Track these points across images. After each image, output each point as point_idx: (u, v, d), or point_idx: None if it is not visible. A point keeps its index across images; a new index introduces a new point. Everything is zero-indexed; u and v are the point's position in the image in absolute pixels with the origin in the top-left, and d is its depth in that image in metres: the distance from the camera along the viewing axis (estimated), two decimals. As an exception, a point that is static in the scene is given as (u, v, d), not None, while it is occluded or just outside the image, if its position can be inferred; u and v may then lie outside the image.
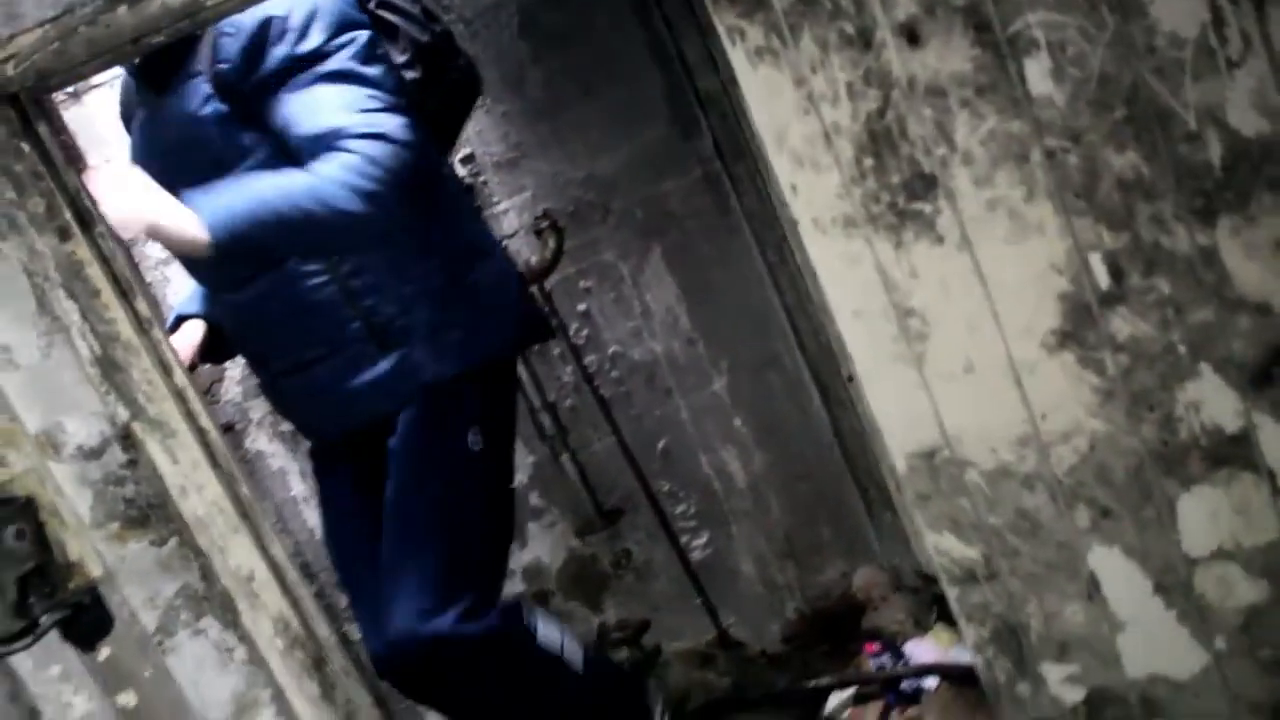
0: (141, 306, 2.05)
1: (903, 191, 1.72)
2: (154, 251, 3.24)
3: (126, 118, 2.61)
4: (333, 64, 2.30)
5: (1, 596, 1.93)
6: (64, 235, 1.92)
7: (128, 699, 2.14)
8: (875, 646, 3.17)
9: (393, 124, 2.28)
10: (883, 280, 1.78)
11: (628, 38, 3.28)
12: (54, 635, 2.05)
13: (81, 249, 1.94)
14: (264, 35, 2.29)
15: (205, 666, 2.14)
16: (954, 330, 1.79)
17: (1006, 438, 1.84)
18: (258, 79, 2.30)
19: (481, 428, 2.53)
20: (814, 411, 3.50)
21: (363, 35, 2.36)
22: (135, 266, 3.02)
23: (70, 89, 3.09)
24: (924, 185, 1.71)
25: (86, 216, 1.98)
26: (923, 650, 3.10)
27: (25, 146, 1.87)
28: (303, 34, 2.30)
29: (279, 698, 2.17)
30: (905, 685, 3.01)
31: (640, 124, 3.31)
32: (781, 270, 3.25)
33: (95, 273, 1.96)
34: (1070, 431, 1.80)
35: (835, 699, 3.11)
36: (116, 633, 2.09)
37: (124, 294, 2.01)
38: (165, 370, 2.05)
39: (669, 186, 3.35)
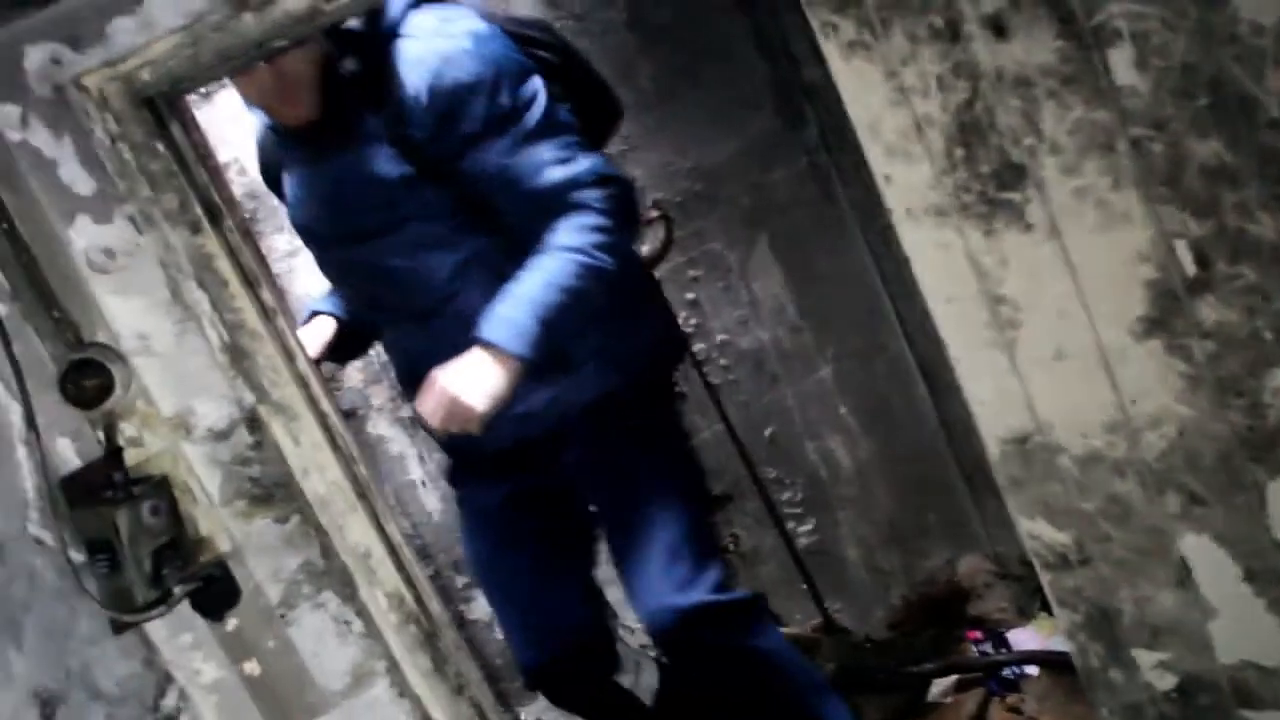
0: (267, 296, 2.17)
1: (992, 181, 1.76)
2: (281, 244, 3.38)
3: (272, 175, 2.65)
4: (533, 117, 2.31)
5: (139, 568, 2.07)
6: (195, 229, 2.04)
7: (252, 668, 2.27)
8: (978, 634, 3.19)
9: (601, 163, 2.33)
10: (974, 268, 1.82)
11: (733, 29, 3.33)
12: (185, 606, 2.20)
13: (211, 242, 2.06)
14: (456, 101, 2.27)
15: (324, 638, 2.26)
16: (1044, 317, 1.82)
17: (1097, 423, 1.86)
18: (453, 141, 2.30)
19: (677, 411, 2.67)
20: (919, 398, 3.52)
21: (538, 80, 2.38)
22: (262, 259, 3.15)
23: (203, 90, 3.23)
24: (1013, 175, 1.74)
25: (216, 211, 2.11)
26: (1025, 638, 3.11)
27: (160, 146, 2.00)
28: (494, 93, 2.29)
29: (393, 669, 2.28)
30: (1007, 672, 3.03)
31: (746, 115, 3.36)
32: (887, 259, 3.27)
33: (224, 265, 2.08)
34: (1159, 418, 1.82)
35: (938, 686, 3.13)
36: (242, 604, 2.23)
37: (250, 285, 2.13)
38: (289, 357, 2.17)
39: (775, 177, 3.39)
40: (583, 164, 2.28)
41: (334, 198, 2.43)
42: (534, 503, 2.58)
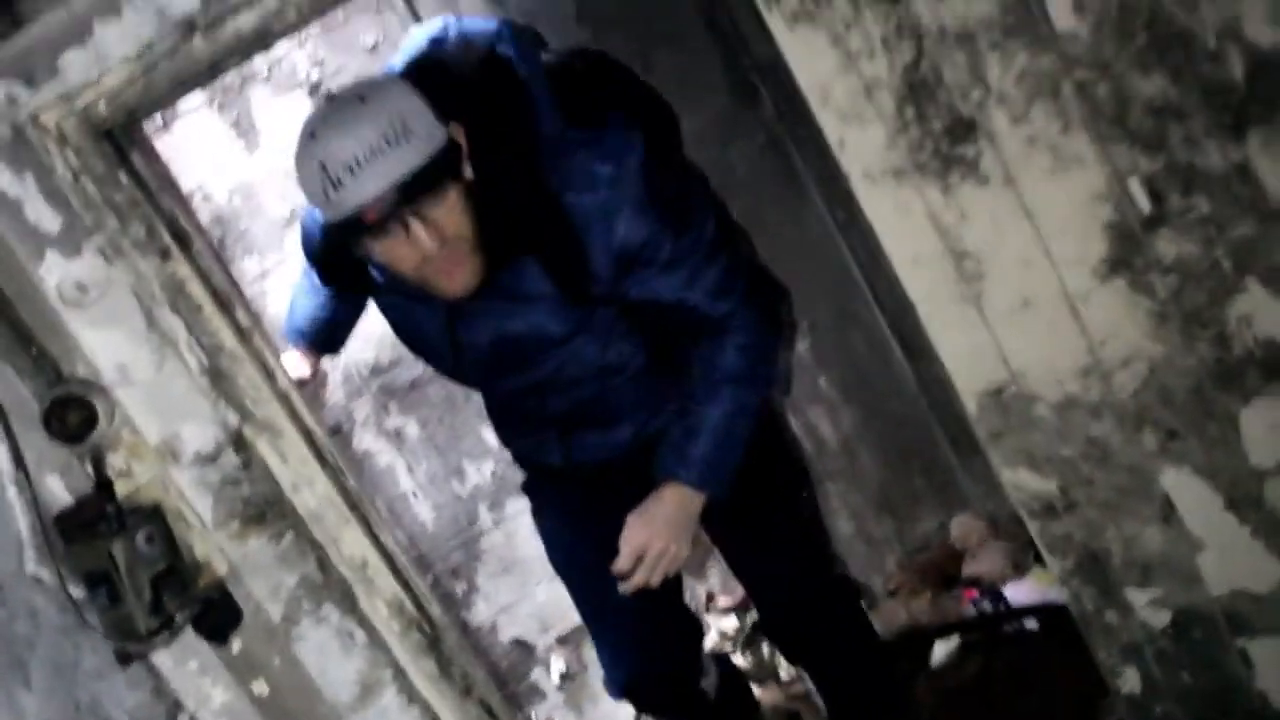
0: (241, 317, 2.19)
1: (945, 137, 1.79)
2: (251, 268, 3.39)
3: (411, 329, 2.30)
4: (702, 243, 2.12)
5: (139, 598, 2.08)
6: (165, 256, 2.05)
7: (261, 688, 2.28)
8: (975, 593, 3.22)
9: (742, 283, 2.19)
10: (935, 225, 1.85)
11: (682, 14, 3.34)
12: (189, 632, 2.21)
13: (182, 267, 2.08)
14: (638, 253, 2.05)
15: (329, 652, 2.27)
16: (1008, 267, 1.85)
17: (1070, 368, 1.89)
18: (629, 284, 2.10)
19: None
20: (897, 364, 3.54)
21: (703, 195, 2.28)
22: (234, 281, 3.17)
23: (160, 120, 3.24)
24: (965, 129, 1.77)
25: (184, 237, 2.12)
26: (1023, 592, 3.14)
27: (123, 177, 2.01)
28: (677, 234, 2.07)
29: (400, 676, 2.30)
30: (1007, 628, 3.06)
31: (701, 96, 3.36)
32: (852, 228, 3.29)
33: (196, 289, 2.10)
34: (1130, 357, 1.85)
35: (940, 648, 3.15)
36: (245, 625, 2.24)
37: (224, 307, 2.15)
38: (269, 375, 2.19)
39: (734, 154, 3.41)
40: (741, 285, 2.16)
41: (497, 340, 2.18)
42: (601, 510, 2.39)
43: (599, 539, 2.29)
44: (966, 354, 1.93)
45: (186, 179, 3.25)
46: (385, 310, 2.29)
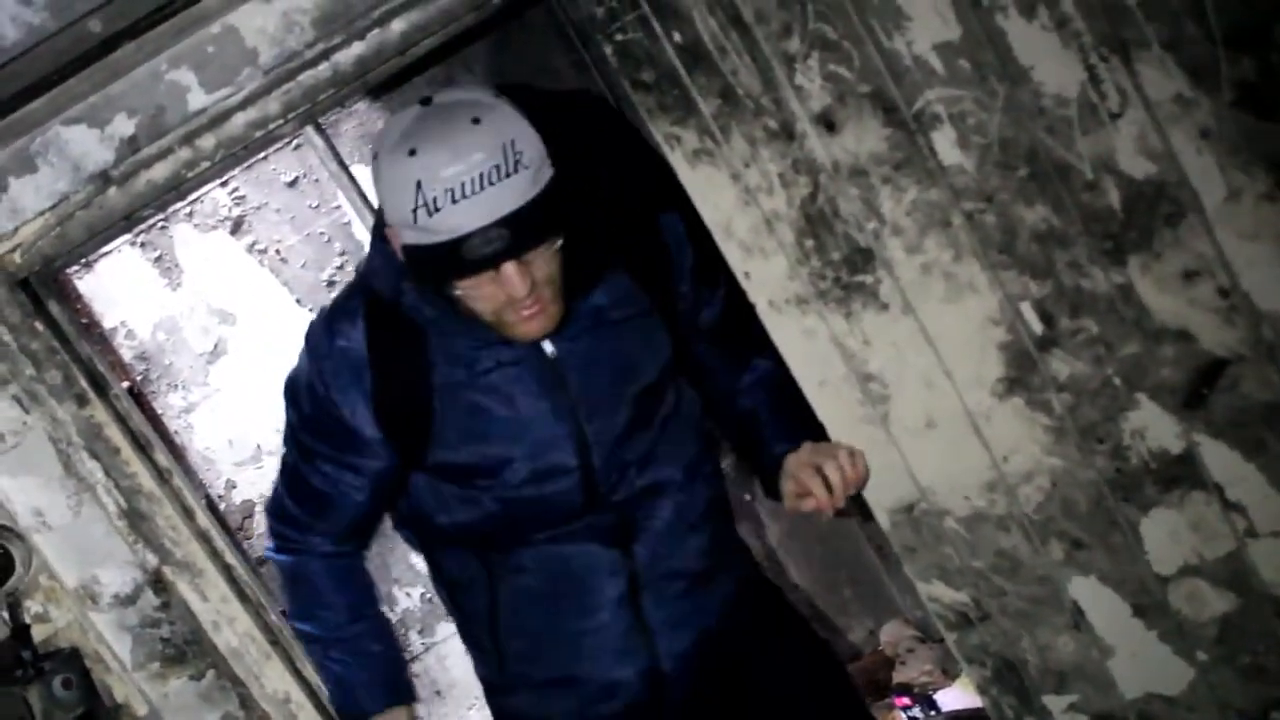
0: (160, 458, 2.20)
1: (844, 266, 1.85)
2: (176, 402, 3.39)
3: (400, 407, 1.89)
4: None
5: (56, 746, 2.05)
6: (82, 401, 2.06)
7: (189, 834, 2.25)
8: (906, 700, 3.24)
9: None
10: (840, 350, 1.90)
11: (599, 145, 3.43)
12: (112, 780, 2.18)
13: (99, 412, 2.09)
14: (702, 267, 1.97)
15: (256, 792, 2.25)
16: (911, 389, 1.90)
17: (976, 484, 1.94)
18: (699, 297, 2.00)
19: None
20: (821, 478, 3.58)
21: None
22: (156, 419, 3.17)
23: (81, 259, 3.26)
24: (863, 258, 1.83)
25: (101, 381, 2.13)
26: (953, 697, 3.16)
27: (39, 325, 2.03)
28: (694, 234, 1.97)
29: (328, 814, 2.27)
30: (937, 734, 3.08)
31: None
32: (770, 348, 3.36)
33: (114, 432, 2.10)
34: (1032, 471, 1.90)
35: (874, 757, 3.16)
36: (167, 767, 2.21)
37: (142, 448, 2.16)
38: (188, 515, 2.19)
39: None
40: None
41: (609, 380, 1.92)
42: None
43: None
44: (877, 472, 1.97)
45: (109, 316, 3.27)
46: (451, 406, 1.88)
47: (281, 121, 1.93)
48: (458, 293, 1.73)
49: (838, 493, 1.87)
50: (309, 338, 1.89)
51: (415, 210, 1.62)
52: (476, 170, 1.60)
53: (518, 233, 1.64)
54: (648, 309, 1.93)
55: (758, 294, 1.91)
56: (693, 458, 2.02)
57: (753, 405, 2.06)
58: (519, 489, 1.89)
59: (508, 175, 1.61)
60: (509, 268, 1.67)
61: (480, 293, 1.72)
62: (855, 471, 1.89)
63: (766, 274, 1.88)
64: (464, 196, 1.60)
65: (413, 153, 1.62)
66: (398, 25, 1.87)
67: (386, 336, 1.85)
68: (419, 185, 1.61)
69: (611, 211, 1.88)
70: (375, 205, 1.88)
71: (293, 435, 1.94)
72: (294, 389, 1.91)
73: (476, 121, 1.63)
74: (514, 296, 1.70)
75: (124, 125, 1.89)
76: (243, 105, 1.89)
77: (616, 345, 1.92)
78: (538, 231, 1.67)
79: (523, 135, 1.65)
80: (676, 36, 1.76)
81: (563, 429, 1.89)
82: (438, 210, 1.61)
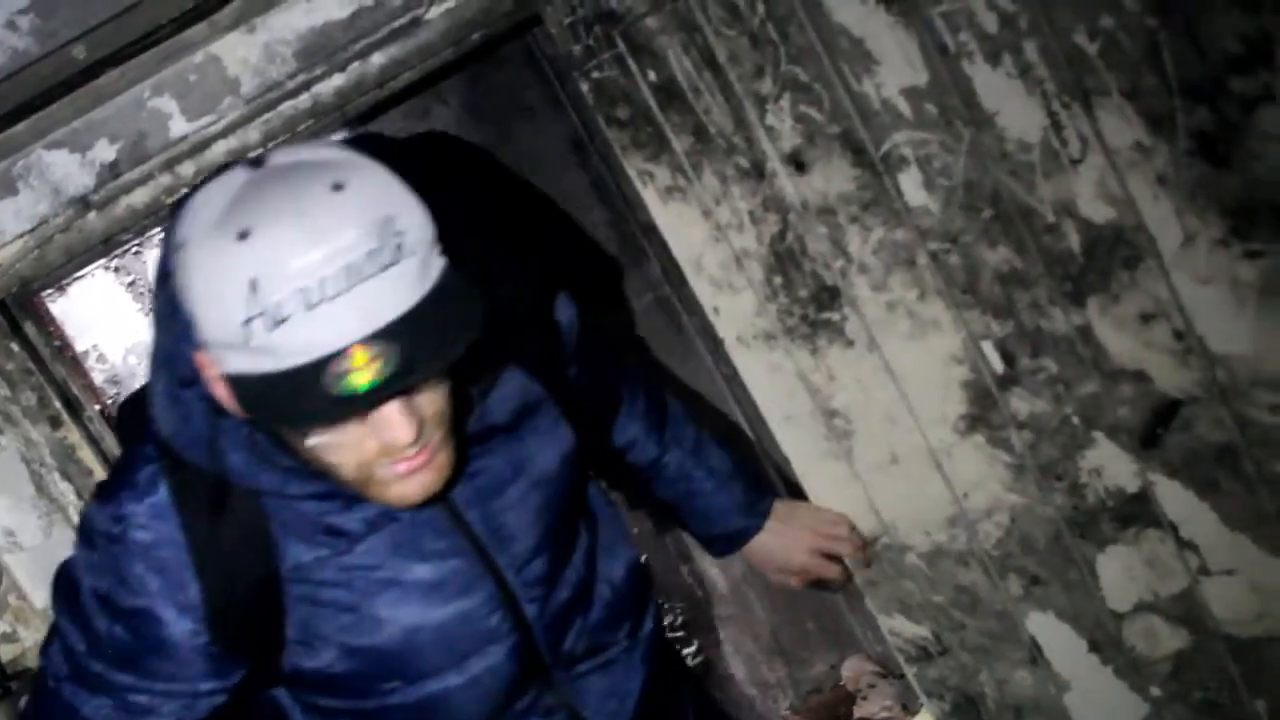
0: (132, 480, 2.20)
1: (812, 303, 1.89)
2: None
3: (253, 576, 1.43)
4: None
5: (17, 767, 2.05)
6: (55, 424, 2.07)
7: None
8: (867, 735, 3.26)
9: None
10: (805, 385, 1.94)
11: (571, 181, 3.46)
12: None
13: (73, 434, 2.10)
14: (581, 329, 1.73)
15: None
16: (875, 424, 1.94)
17: (937, 520, 1.98)
18: (579, 360, 1.72)
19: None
20: (786, 512, 3.61)
21: None
22: (126, 444, 3.16)
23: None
24: (829, 296, 1.88)
25: (75, 403, 2.14)
26: (912, 733, 3.19)
27: (15, 347, 2.04)
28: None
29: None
30: (898, 769, 3.10)
31: (589, 256, 3.48)
32: (736, 382, 3.39)
33: (87, 455, 2.11)
34: (992, 507, 1.94)
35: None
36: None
37: (114, 471, 2.16)
38: (158, 537, 2.20)
39: (624, 314, 3.51)
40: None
41: (534, 516, 1.54)
42: None
43: None
44: (839, 507, 2.01)
45: (81, 339, 3.27)
46: (310, 597, 1.42)
47: (261, 150, 1.96)
48: (310, 443, 1.25)
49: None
50: (90, 531, 1.39)
51: (249, 322, 1.12)
52: (343, 259, 1.11)
53: (407, 351, 1.14)
54: (542, 397, 1.57)
55: (726, 329, 1.95)
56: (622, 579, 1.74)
57: (685, 475, 1.92)
58: (423, 685, 1.49)
59: (387, 266, 1.13)
60: (390, 407, 1.21)
61: (342, 441, 1.24)
62: (858, 541, 1.99)
63: (735, 309, 1.93)
64: (325, 299, 1.11)
65: (244, 235, 1.12)
66: (378, 59, 1.90)
67: (206, 519, 1.36)
68: (253, 285, 1.11)
69: (509, 298, 1.46)
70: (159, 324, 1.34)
71: (70, 660, 1.42)
72: (72, 600, 1.40)
73: (338, 188, 1.15)
74: (394, 445, 1.24)
75: (105, 151, 1.91)
76: (224, 133, 1.92)
77: (521, 455, 1.53)
78: (435, 348, 1.17)
79: (403, 207, 1.18)
80: (651, 75, 1.81)
81: (482, 590, 1.48)
82: (283, 320, 1.11)
